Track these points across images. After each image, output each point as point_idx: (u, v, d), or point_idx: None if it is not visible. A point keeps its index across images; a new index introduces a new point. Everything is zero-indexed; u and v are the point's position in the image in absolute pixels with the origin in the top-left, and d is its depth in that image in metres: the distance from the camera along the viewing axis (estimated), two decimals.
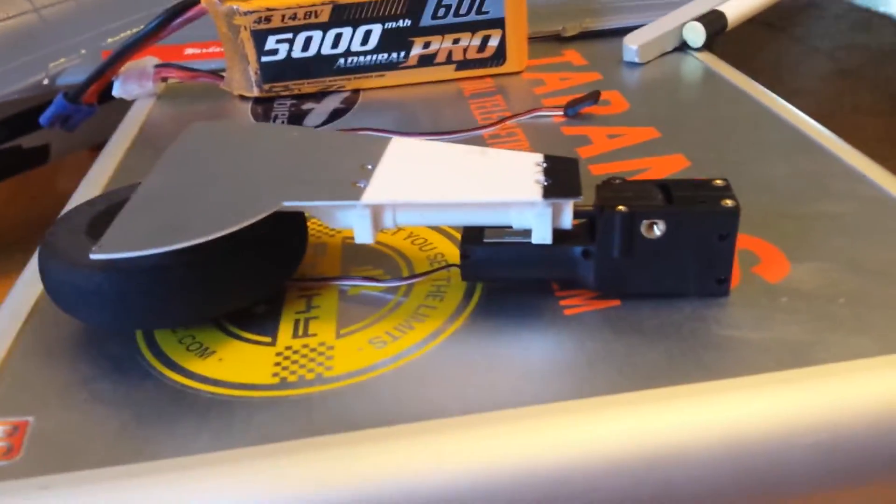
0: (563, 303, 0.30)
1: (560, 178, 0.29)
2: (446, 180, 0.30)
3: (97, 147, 0.54)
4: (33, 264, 0.36)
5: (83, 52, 0.72)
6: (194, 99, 0.57)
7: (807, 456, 0.24)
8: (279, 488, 0.24)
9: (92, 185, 0.45)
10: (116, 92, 0.58)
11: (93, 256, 0.27)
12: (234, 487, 0.24)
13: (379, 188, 0.30)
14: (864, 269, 0.30)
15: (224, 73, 0.56)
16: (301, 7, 0.51)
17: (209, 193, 0.30)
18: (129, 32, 0.72)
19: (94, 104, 0.58)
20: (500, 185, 0.29)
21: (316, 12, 0.51)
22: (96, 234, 0.29)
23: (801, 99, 0.45)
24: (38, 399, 0.28)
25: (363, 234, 0.30)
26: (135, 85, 0.58)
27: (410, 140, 0.33)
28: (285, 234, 0.31)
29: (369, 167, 0.31)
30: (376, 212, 0.30)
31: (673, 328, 0.28)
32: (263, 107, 0.54)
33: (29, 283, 0.35)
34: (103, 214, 0.32)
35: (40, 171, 0.91)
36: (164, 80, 0.59)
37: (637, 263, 0.29)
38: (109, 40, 0.73)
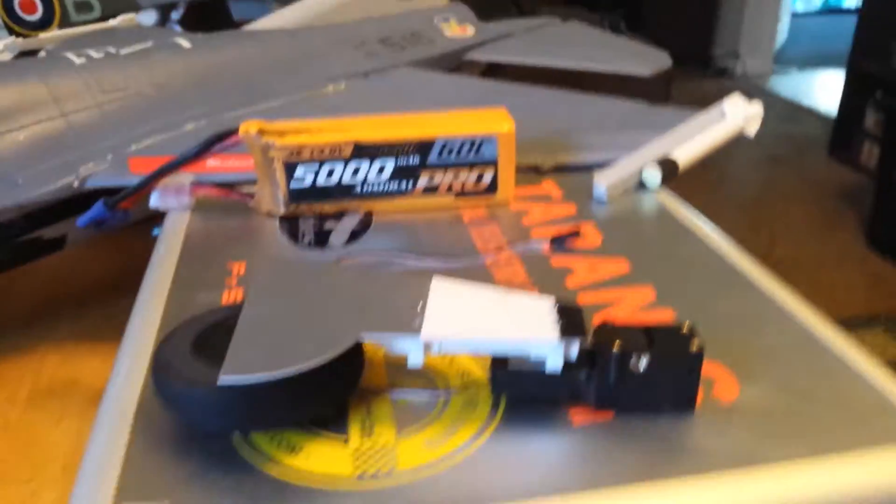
0: (570, 414, 0.40)
1: (570, 320, 0.39)
2: (482, 320, 0.39)
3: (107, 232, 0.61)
4: (121, 366, 0.44)
5: (110, 157, 0.79)
6: (226, 213, 0.65)
7: None
8: None
9: (152, 294, 0.52)
10: (154, 203, 0.66)
11: (221, 382, 0.35)
12: None
13: (432, 325, 0.39)
14: (794, 391, 0.41)
15: (249, 191, 0.65)
16: (328, 145, 0.61)
17: (299, 326, 0.39)
18: (152, 140, 0.80)
19: (129, 210, 0.66)
20: (525, 325, 0.39)
21: (340, 149, 0.61)
22: (201, 352, 0.38)
23: (732, 184, 0.56)
24: (166, 487, 0.36)
25: (416, 360, 0.39)
26: (172, 198, 0.65)
27: (447, 282, 0.42)
28: (351, 356, 0.40)
29: (420, 305, 0.40)
30: (428, 343, 0.39)
31: (654, 434, 0.38)
32: (289, 223, 0.63)
33: (124, 387, 0.42)
34: (203, 334, 0.40)
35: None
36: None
37: (626, 387, 0.39)
38: (133, 147, 0.80)
